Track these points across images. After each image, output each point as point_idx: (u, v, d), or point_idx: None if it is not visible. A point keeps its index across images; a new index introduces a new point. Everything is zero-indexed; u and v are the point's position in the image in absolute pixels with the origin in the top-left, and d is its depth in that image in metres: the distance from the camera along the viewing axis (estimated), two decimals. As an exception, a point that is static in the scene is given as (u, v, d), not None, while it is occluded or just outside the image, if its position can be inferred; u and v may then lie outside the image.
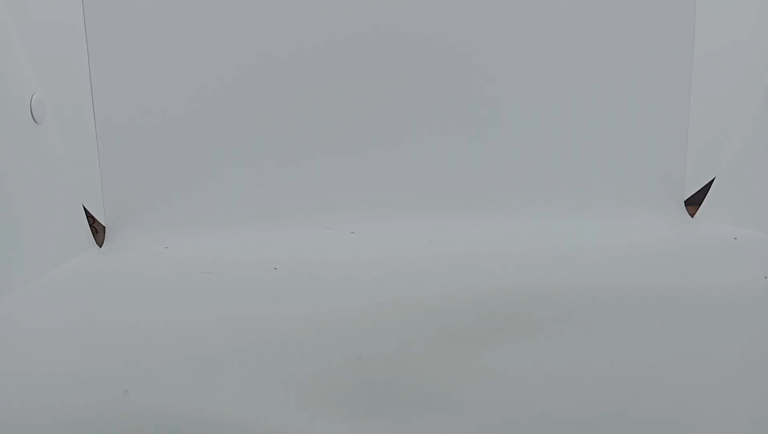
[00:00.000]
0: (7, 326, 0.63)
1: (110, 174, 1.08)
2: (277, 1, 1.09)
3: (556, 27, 1.14)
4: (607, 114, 1.17)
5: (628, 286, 0.71)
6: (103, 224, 1.06)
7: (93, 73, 1.05)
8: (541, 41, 1.14)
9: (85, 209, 1.01)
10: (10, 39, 0.84)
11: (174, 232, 1.02)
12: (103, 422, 0.42)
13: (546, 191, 1.14)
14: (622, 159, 1.16)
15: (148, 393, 0.46)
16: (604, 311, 0.63)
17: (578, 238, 0.98)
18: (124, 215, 1.07)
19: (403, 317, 0.62)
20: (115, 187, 1.08)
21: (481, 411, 0.44)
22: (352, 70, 1.12)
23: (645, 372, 0.49)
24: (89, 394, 0.46)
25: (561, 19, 1.14)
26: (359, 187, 1.13)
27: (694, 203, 1.19)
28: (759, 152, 1.05)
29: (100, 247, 0.97)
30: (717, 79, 1.14)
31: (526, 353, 0.53)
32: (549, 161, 1.15)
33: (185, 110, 1.09)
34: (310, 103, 1.12)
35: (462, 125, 1.14)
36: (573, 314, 0.62)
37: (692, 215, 1.15)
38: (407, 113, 1.13)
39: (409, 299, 0.67)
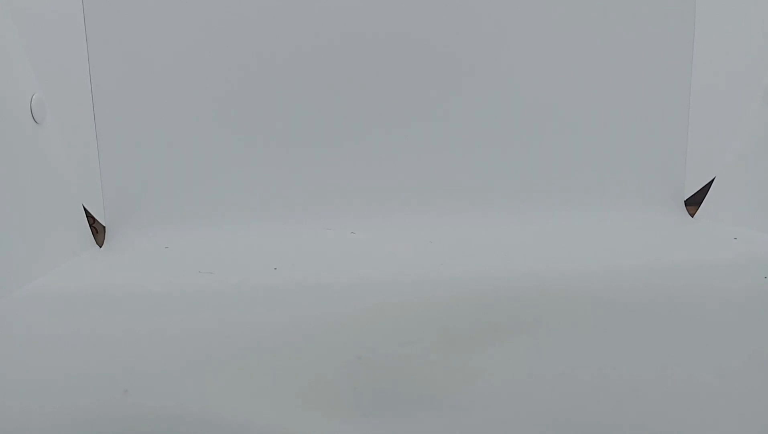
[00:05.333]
0: (7, 326, 0.63)
1: (110, 174, 1.08)
2: (276, 2, 1.09)
3: (559, 28, 1.14)
4: (607, 115, 1.17)
5: (628, 286, 0.71)
6: (103, 224, 1.06)
7: (93, 73, 1.05)
8: (543, 42, 1.14)
9: (85, 209, 1.01)
10: (10, 39, 0.84)
11: (174, 232, 1.02)
12: (103, 422, 0.42)
13: (546, 191, 1.14)
14: (622, 159, 1.16)
15: (147, 393, 0.46)
16: (603, 310, 0.63)
17: (579, 238, 0.98)
18: (124, 215, 1.07)
19: (403, 317, 0.62)
20: (115, 187, 1.08)
21: (480, 410, 0.44)
22: (351, 71, 1.12)
23: (644, 372, 0.49)
24: (89, 394, 0.46)
25: (563, 20, 1.14)
26: (360, 187, 1.13)
27: (694, 203, 1.19)
28: (759, 152, 1.05)
29: (100, 247, 0.97)
30: (717, 80, 1.14)
31: (525, 353, 0.53)
32: (550, 162, 1.15)
33: (185, 110, 1.09)
34: (311, 104, 1.12)
35: (463, 125, 1.14)
36: (572, 314, 0.62)
37: (692, 215, 1.15)
38: (408, 113, 1.13)
39: (409, 299, 0.67)
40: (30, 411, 0.45)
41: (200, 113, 1.09)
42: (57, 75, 0.96)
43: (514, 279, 0.74)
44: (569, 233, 1.01)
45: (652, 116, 1.17)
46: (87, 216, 1.01)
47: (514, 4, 1.13)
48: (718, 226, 1.07)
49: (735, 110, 1.10)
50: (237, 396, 0.46)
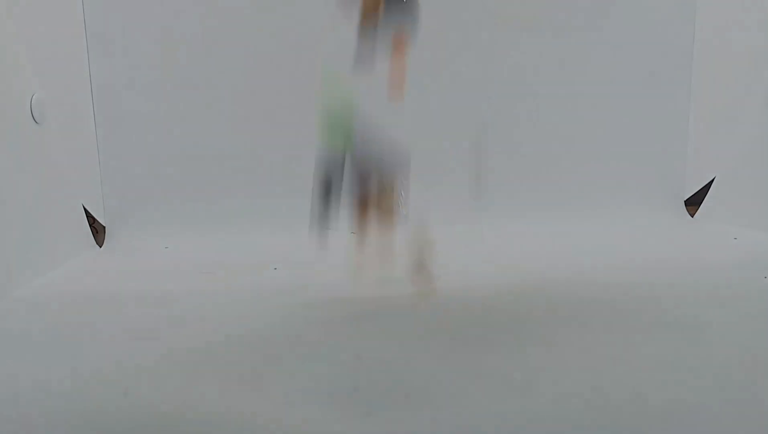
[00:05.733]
0: (7, 326, 0.63)
1: (110, 174, 1.08)
2: (277, 4, 1.09)
3: (559, 29, 1.14)
4: (608, 115, 1.17)
5: (628, 285, 0.71)
6: (103, 224, 1.06)
7: (93, 73, 1.05)
8: (544, 44, 1.14)
9: (85, 209, 1.01)
10: (10, 39, 0.84)
11: (174, 232, 1.02)
12: (103, 422, 0.42)
13: (548, 191, 1.14)
14: (623, 160, 1.16)
15: (148, 393, 0.46)
16: (603, 310, 0.63)
17: (579, 238, 0.98)
18: (124, 215, 1.07)
19: (404, 317, 0.62)
20: (115, 187, 1.08)
21: (480, 411, 0.44)
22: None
23: (645, 371, 0.49)
24: (89, 394, 0.46)
25: (563, 20, 1.14)
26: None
27: (694, 203, 1.19)
28: (759, 152, 1.05)
29: (100, 247, 0.97)
30: (717, 80, 1.14)
31: (526, 353, 0.53)
32: (551, 163, 1.15)
33: (185, 110, 1.09)
34: (311, 105, 1.12)
35: (465, 126, 1.15)
36: (573, 314, 0.62)
37: (692, 215, 1.15)
38: (408, 114, 1.13)
39: (409, 299, 0.67)
40: (30, 412, 0.45)
41: (200, 112, 1.09)
42: (57, 75, 0.96)
43: (515, 279, 0.74)
44: (569, 232, 1.01)
45: (653, 117, 1.17)
46: (87, 216, 1.01)
47: (514, 9, 1.13)
48: (718, 226, 1.07)
49: (735, 110, 1.10)
50: (237, 395, 0.46)
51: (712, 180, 1.14)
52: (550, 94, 1.14)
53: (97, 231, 1.05)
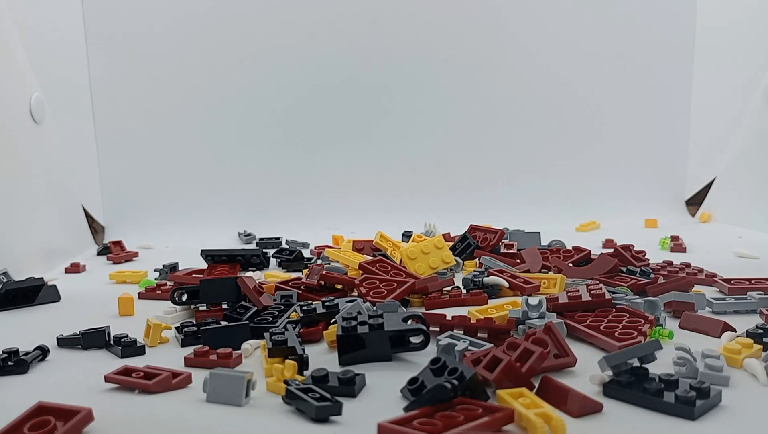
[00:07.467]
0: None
1: (109, 175, 1.08)
2: (278, 10, 1.10)
3: (561, 33, 1.15)
4: (610, 117, 1.17)
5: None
6: (103, 224, 1.06)
7: (93, 74, 1.05)
8: (546, 46, 1.14)
9: (84, 210, 1.01)
10: (10, 40, 0.84)
11: (174, 232, 1.02)
12: (104, 423, 0.42)
13: (553, 191, 1.15)
14: (625, 161, 1.17)
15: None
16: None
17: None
18: (124, 216, 1.07)
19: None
20: (114, 187, 1.08)
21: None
22: (354, 76, 1.12)
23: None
24: (88, 394, 0.46)
25: (566, 25, 1.14)
26: (359, 189, 1.13)
27: (694, 203, 1.19)
28: (759, 152, 1.05)
29: (100, 247, 0.97)
30: (717, 81, 1.14)
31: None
32: (556, 164, 1.16)
33: (185, 110, 1.09)
34: (311, 107, 1.12)
35: (471, 128, 1.15)
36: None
37: (693, 215, 1.16)
38: (412, 119, 1.14)
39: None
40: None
41: (201, 113, 1.10)
42: (57, 75, 0.96)
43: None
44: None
45: (654, 118, 1.18)
46: (87, 216, 1.02)
47: (518, 16, 1.14)
48: (718, 226, 1.07)
49: (735, 110, 1.11)
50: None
51: (713, 180, 1.14)
52: (555, 100, 1.15)
53: (97, 231, 1.05)
